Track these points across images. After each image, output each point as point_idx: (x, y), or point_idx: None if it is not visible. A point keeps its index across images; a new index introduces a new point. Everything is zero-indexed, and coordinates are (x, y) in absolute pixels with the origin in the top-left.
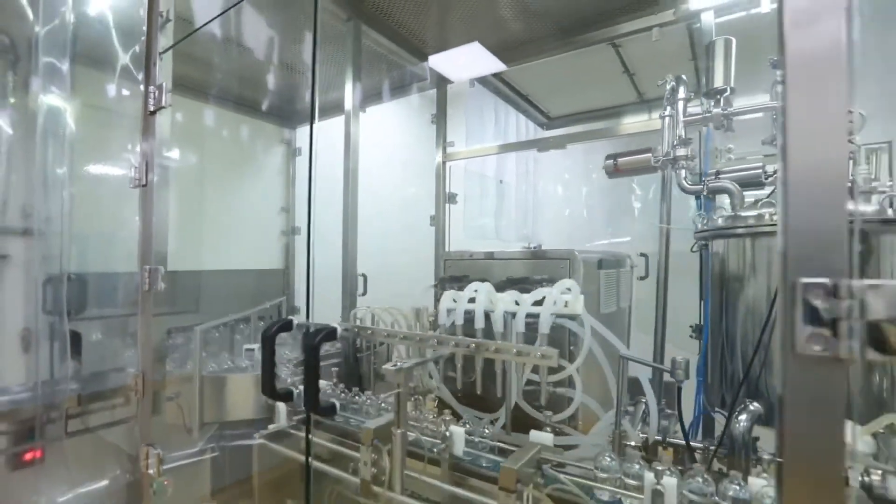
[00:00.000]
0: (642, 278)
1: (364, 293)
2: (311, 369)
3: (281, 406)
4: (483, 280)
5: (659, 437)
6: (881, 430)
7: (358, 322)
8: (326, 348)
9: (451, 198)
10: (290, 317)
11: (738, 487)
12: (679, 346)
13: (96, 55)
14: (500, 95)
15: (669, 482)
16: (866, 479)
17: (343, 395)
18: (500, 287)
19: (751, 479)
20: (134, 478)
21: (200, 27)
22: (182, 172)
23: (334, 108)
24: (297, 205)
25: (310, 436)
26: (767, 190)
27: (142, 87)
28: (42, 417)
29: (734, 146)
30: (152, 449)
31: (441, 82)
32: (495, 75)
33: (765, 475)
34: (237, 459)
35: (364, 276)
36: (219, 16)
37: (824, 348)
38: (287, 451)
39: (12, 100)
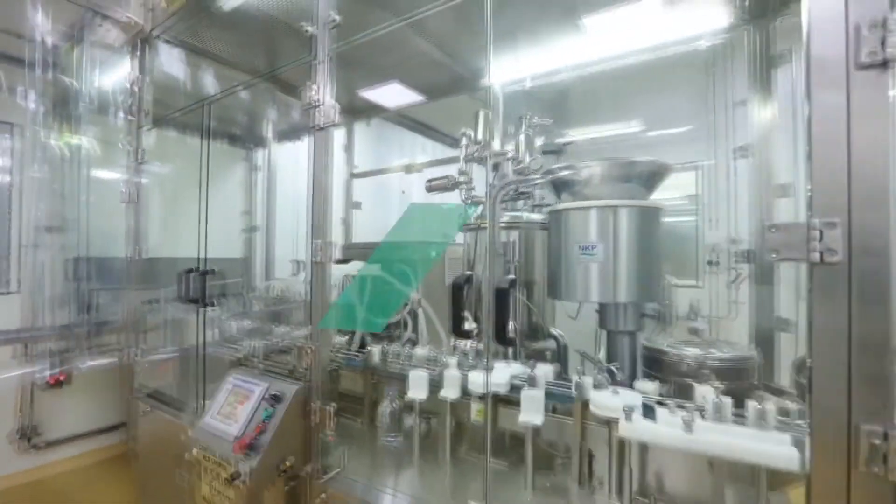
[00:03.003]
0: None
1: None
2: (199, 288)
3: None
4: None
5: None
6: None
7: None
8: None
9: (357, 205)
10: (195, 267)
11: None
12: None
13: (106, 110)
14: (405, 126)
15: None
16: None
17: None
18: None
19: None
20: (126, 362)
21: (173, 112)
22: (166, 184)
23: (281, 137)
24: (257, 208)
25: (204, 328)
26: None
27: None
28: (70, 345)
29: None
30: (135, 349)
31: (348, 122)
32: (399, 112)
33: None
34: (187, 361)
35: (301, 262)
36: (188, 107)
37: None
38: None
39: (43, 138)
